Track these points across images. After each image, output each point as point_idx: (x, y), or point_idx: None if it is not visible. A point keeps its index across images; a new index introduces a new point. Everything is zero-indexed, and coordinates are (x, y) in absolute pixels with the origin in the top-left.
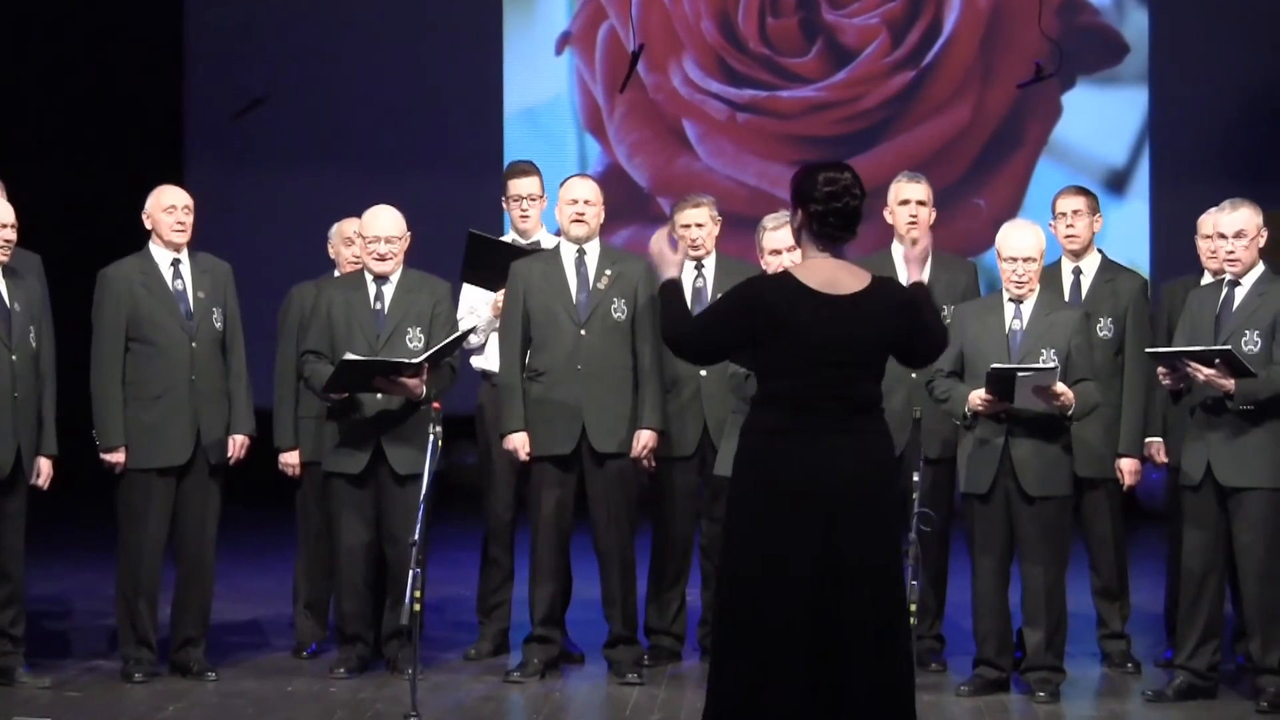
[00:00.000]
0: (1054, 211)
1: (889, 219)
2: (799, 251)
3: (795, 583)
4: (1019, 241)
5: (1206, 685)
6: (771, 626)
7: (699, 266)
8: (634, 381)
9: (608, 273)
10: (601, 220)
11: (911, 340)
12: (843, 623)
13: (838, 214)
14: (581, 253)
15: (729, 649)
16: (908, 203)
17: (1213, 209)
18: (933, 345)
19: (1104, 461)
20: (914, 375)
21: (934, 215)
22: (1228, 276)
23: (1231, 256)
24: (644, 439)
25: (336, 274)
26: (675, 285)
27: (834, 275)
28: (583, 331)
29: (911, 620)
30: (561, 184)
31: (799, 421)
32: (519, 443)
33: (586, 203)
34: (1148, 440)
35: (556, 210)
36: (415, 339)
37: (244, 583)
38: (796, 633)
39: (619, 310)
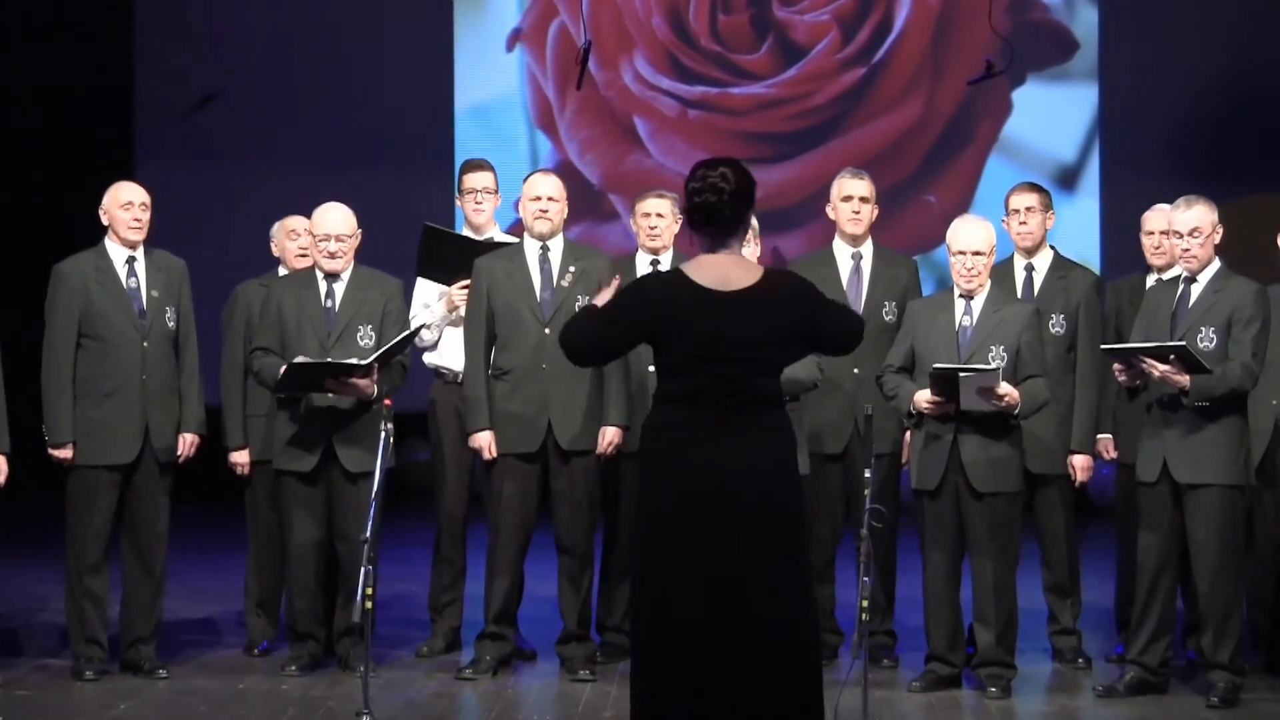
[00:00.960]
0: (1007, 208)
1: (831, 215)
2: (751, 245)
3: (695, 580)
4: (969, 235)
5: (1158, 680)
6: (676, 625)
7: (654, 261)
8: (599, 378)
9: (571, 269)
10: (565, 216)
11: (820, 333)
12: (744, 619)
13: (699, 210)
14: (545, 250)
15: (642, 648)
16: (850, 199)
17: (1157, 206)
18: (842, 335)
19: (1056, 457)
20: (856, 371)
21: (876, 212)
22: (1183, 273)
23: (1187, 254)
24: (609, 435)
25: (281, 270)
26: (594, 309)
27: (725, 272)
28: (547, 329)
29: (864, 617)
30: (525, 180)
31: (693, 419)
32: (486, 441)
33: (550, 199)
34: (1098, 436)
35: (520, 207)
36: (366, 337)
37: (195, 581)
38: (699, 630)
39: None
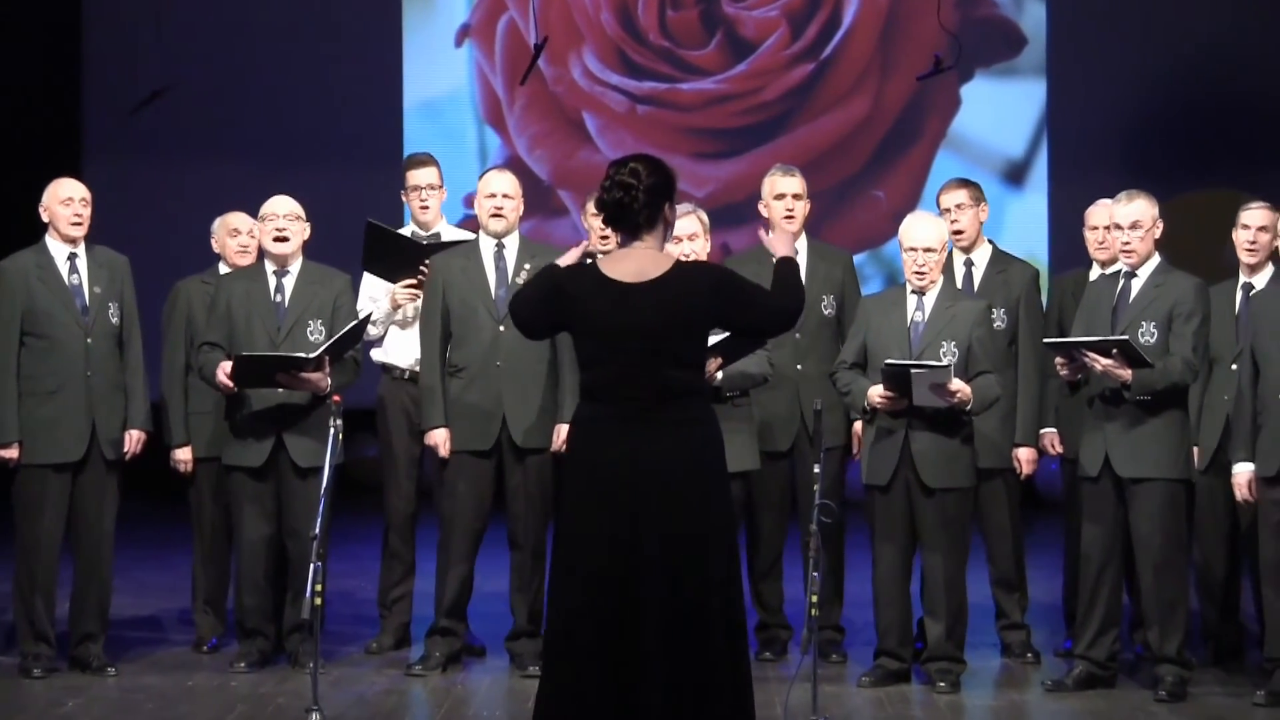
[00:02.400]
0: (939, 207)
1: (764, 213)
2: (700, 240)
3: (598, 576)
4: (921, 232)
5: (1105, 675)
6: (578, 621)
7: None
8: (553, 376)
9: (527, 267)
10: (520, 213)
11: (740, 318)
12: (646, 618)
13: (606, 206)
14: (500, 247)
15: (553, 638)
16: (783, 196)
17: (1101, 201)
18: (773, 317)
19: (1001, 452)
20: (799, 367)
21: (809, 208)
22: (1124, 268)
23: (1127, 248)
24: (563, 433)
25: (222, 267)
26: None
27: (638, 264)
28: (502, 327)
29: (813, 612)
30: (480, 177)
31: (606, 411)
32: (440, 439)
33: (505, 196)
34: (1042, 431)
35: (475, 204)
36: (317, 331)
37: (143, 577)
38: (600, 627)
39: None
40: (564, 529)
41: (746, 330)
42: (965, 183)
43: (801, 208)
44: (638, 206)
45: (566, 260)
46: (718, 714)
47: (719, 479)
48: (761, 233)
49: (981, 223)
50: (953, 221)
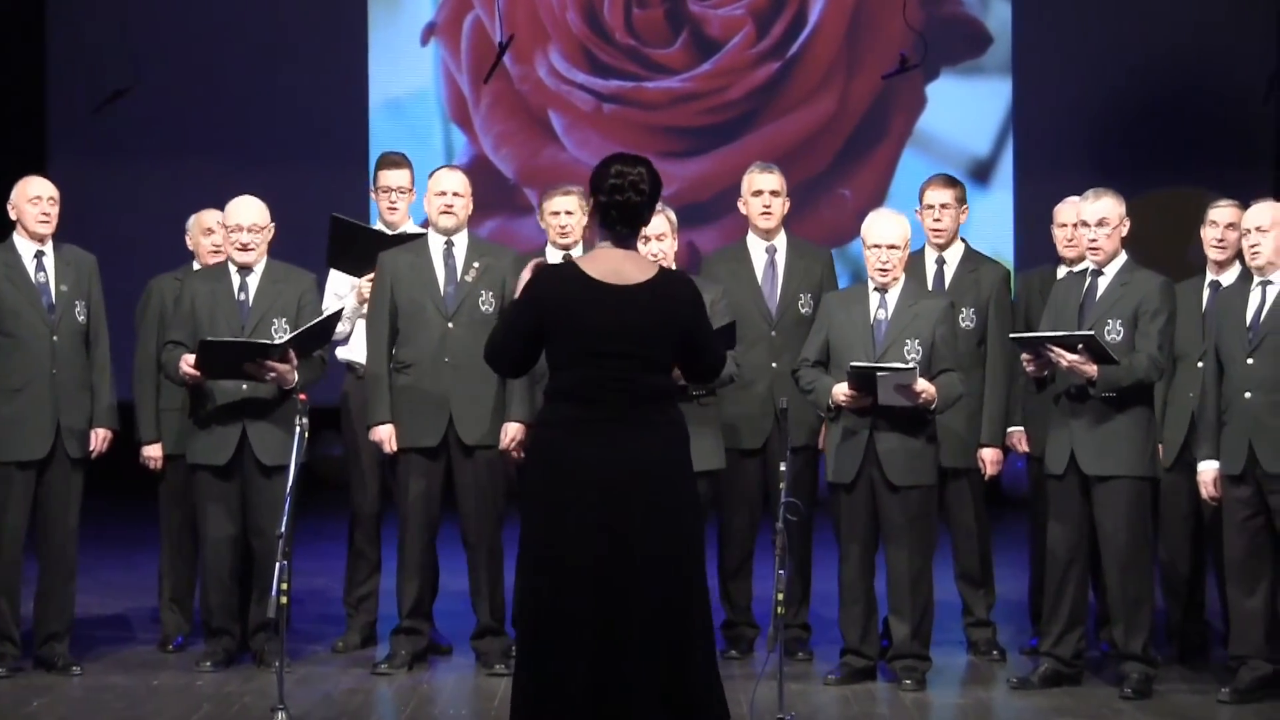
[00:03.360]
0: (921, 201)
1: (742, 210)
2: (669, 240)
3: (578, 576)
4: (884, 229)
5: (1071, 672)
6: (558, 620)
7: (566, 256)
8: None
9: (475, 265)
10: (470, 211)
11: (698, 343)
12: (629, 616)
13: (619, 208)
14: (450, 244)
15: (525, 640)
16: (761, 193)
17: (1070, 198)
18: (706, 360)
19: (967, 451)
20: (774, 365)
21: (788, 206)
22: (1090, 266)
23: (1094, 245)
24: (511, 431)
25: (195, 265)
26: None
27: (619, 266)
28: (450, 324)
29: (779, 610)
30: (430, 175)
31: (581, 413)
32: (386, 435)
33: (455, 194)
34: (1009, 430)
35: (425, 201)
36: (281, 330)
37: (108, 576)
38: (581, 626)
39: (487, 303)
40: (535, 529)
41: (697, 358)
42: (952, 182)
43: (779, 205)
44: (645, 211)
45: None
46: (697, 710)
47: (690, 480)
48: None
49: (960, 224)
50: (935, 219)
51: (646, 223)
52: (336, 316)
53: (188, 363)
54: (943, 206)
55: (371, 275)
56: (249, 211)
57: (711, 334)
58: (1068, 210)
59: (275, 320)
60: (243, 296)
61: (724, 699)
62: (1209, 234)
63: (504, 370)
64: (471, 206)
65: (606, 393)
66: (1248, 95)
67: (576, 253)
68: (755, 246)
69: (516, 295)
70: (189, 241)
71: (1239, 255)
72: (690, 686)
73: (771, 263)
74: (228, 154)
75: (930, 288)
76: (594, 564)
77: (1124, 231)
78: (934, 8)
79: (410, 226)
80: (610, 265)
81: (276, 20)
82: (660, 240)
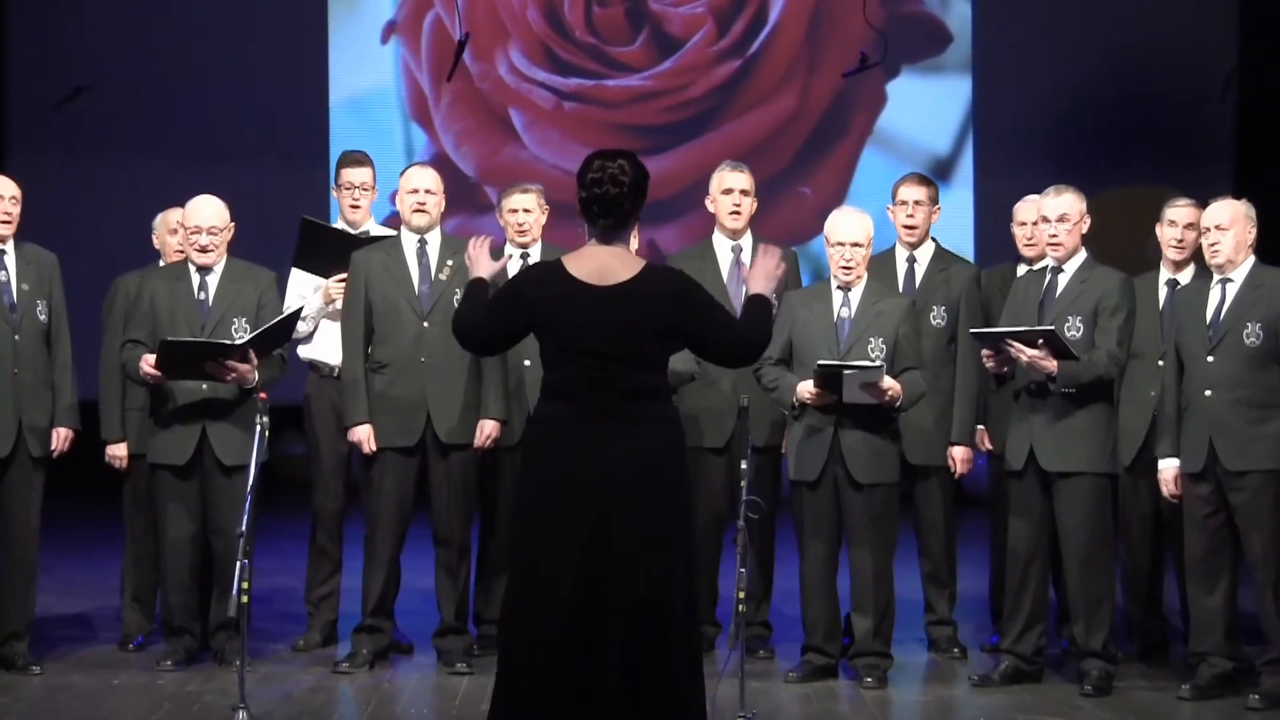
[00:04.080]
0: (894, 198)
1: (711, 208)
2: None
3: (565, 574)
4: (846, 227)
5: (1032, 669)
6: (544, 617)
7: (524, 255)
8: (477, 371)
9: (449, 263)
10: (443, 209)
11: (699, 333)
12: (614, 615)
13: (598, 201)
14: (423, 243)
15: (510, 637)
16: (730, 192)
17: (1029, 197)
18: (736, 345)
19: (936, 449)
20: None
21: (755, 205)
22: (1050, 263)
23: (1054, 241)
24: (487, 429)
25: (162, 264)
26: (482, 285)
27: (604, 264)
28: (425, 323)
29: (741, 608)
30: (402, 173)
31: (569, 412)
32: (365, 435)
33: (428, 192)
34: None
35: (397, 199)
36: (241, 329)
37: (69, 575)
38: (567, 624)
39: None
40: (524, 527)
41: (703, 347)
42: (926, 180)
43: (748, 204)
44: (626, 204)
45: (484, 271)
46: (676, 712)
47: (680, 478)
48: (744, 262)
49: (932, 222)
50: (909, 216)
51: (630, 214)
52: (296, 315)
53: (148, 363)
54: (916, 203)
55: (340, 275)
56: (208, 213)
57: (714, 321)
58: (1027, 208)
59: (235, 319)
60: (203, 296)
61: (703, 702)
62: (1167, 233)
63: (473, 347)
64: (444, 204)
65: (594, 391)
66: (1206, 93)
67: (535, 250)
68: (721, 246)
69: (484, 263)
70: (155, 240)
71: (1195, 254)
72: (670, 687)
73: (737, 262)
74: (189, 151)
75: (901, 287)
76: (580, 562)
77: (1084, 228)
78: (894, 6)
79: (372, 225)
80: (595, 264)
81: (237, 18)
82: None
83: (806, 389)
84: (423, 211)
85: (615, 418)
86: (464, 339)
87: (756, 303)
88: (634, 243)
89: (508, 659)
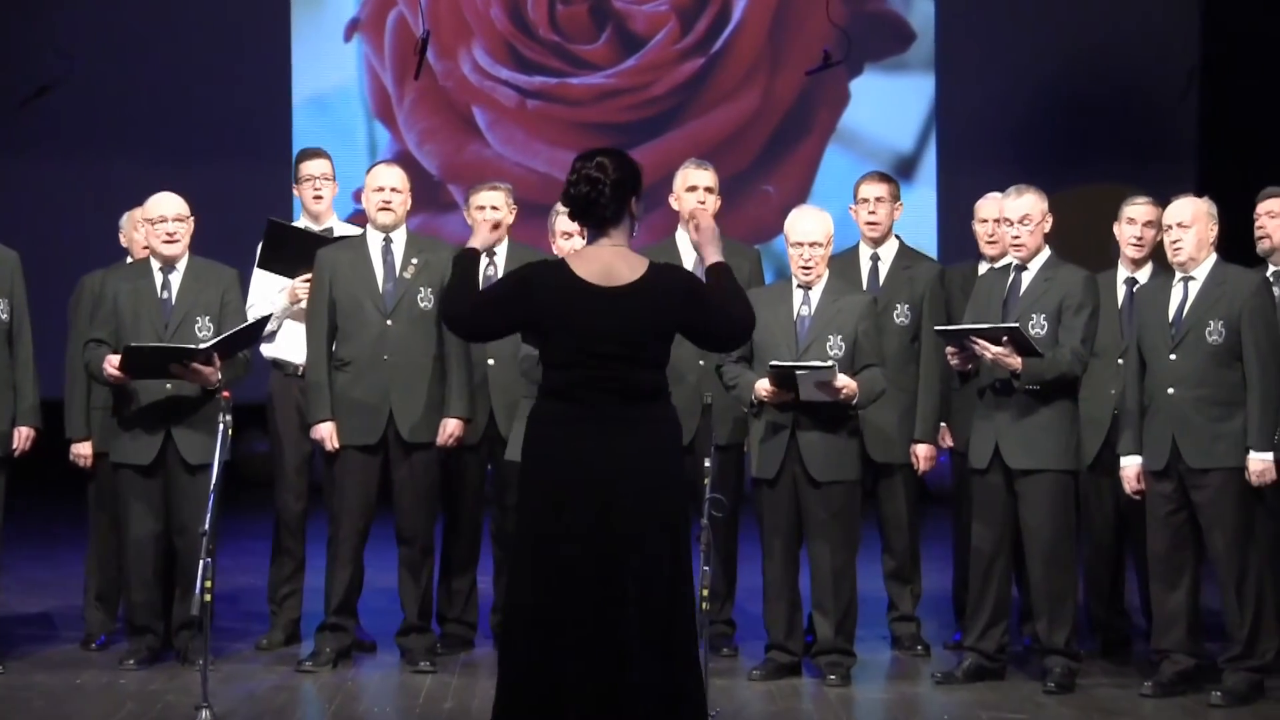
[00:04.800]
0: (856, 196)
1: (675, 205)
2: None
3: (569, 573)
4: (806, 226)
5: (995, 666)
6: (549, 616)
7: (490, 253)
8: (440, 370)
9: (414, 261)
10: (408, 208)
11: (703, 326)
12: (616, 615)
13: (572, 201)
14: (388, 241)
15: (513, 637)
16: (695, 189)
17: (991, 194)
18: (732, 328)
19: (899, 446)
20: (701, 362)
21: (719, 203)
22: (1014, 261)
23: (1017, 242)
24: (450, 427)
25: (129, 261)
26: (473, 256)
27: (609, 264)
28: (389, 321)
29: (704, 606)
30: (368, 170)
31: (572, 412)
32: (327, 432)
33: (394, 190)
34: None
35: (363, 197)
36: (205, 328)
37: (32, 574)
38: (569, 624)
39: (425, 299)
40: (527, 527)
41: (705, 339)
42: (887, 178)
43: (713, 201)
44: (604, 201)
45: (479, 242)
46: (684, 708)
47: (680, 477)
48: (691, 230)
49: (895, 220)
50: (870, 213)
51: (614, 212)
52: (264, 321)
53: (111, 364)
54: (878, 200)
55: (306, 275)
56: (171, 203)
57: (715, 309)
58: (989, 206)
59: (199, 318)
60: (165, 294)
61: (704, 700)
62: (1126, 231)
63: (465, 334)
64: (410, 202)
65: (599, 392)
66: (1168, 91)
67: (501, 249)
68: (684, 243)
69: (484, 235)
70: (123, 238)
71: (1154, 252)
72: (672, 685)
73: (700, 260)
74: (152, 150)
75: (865, 284)
76: (583, 562)
77: (1046, 227)
78: (857, 4)
79: (335, 221)
80: (600, 265)
81: (201, 16)
82: (583, 236)
83: (764, 387)
84: (388, 210)
85: (617, 418)
86: (454, 324)
87: (719, 272)
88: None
89: (510, 659)
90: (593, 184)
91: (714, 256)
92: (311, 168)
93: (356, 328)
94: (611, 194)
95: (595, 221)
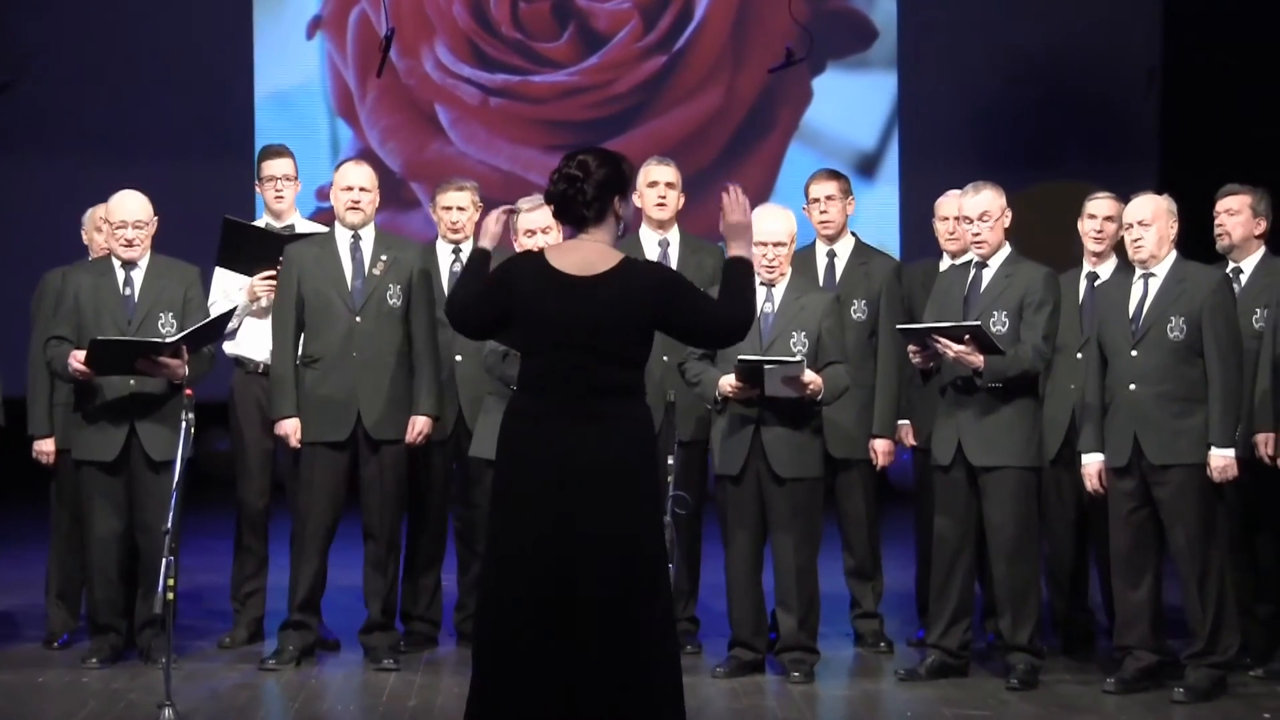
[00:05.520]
0: (807, 196)
1: (637, 202)
2: (554, 233)
3: (536, 571)
4: (769, 225)
5: (958, 663)
6: (517, 613)
7: (456, 250)
8: (408, 367)
9: (383, 259)
10: (376, 206)
11: (683, 322)
12: (585, 613)
13: (552, 199)
14: (357, 238)
15: (484, 634)
16: (655, 185)
17: (951, 192)
18: (718, 326)
19: (858, 442)
20: (665, 359)
21: (683, 199)
22: (974, 258)
23: (978, 239)
24: (419, 425)
25: (91, 259)
26: (482, 256)
27: (585, 256)
28: (358, 318)
29: None
30: (336, 169)
31: (543, 405)
32: (291, 429)
33: (362, 189)
34: (899, 422)
35: (331, 195)
36: (168, 324)
37: None
38: (539, 622)
39: (394, 296)
40: (498, 523)
41: (687, 335)
42: (836, 175)
43: (674, 196)
44: (583, 199)
45: (486, 241)
46: (653, 709)
47: (650, 475)
48: (646, 230)
49: (848, 215)
50: (821, 211)
51: (596, 209)
52: (230, 314)
53: (77, 359)
54: (828, 198)
55: (264, 273)
56: (132, 207)
57: (695, 305)
58: (949, 204)
59: (162, 315)
60: (128, 291)
61: (681, 700)
62: (1087, 226)
63: (468, 332)
64: (378, 200)
65: (567, 385)
66: (1130, 89)
67: (466, 247)
68: (648, 240)
69: (491, 228)
70: (84, 236)
71: (1118, 248)
72: (646, 685)
73: (664, 256)
74: (114, 147)
75: (821, 281)
76: (551, 560)
77: (1006, 223)
78: (819, 2)
79: (297, 218)
80: (577, 257)
81: (161, 13)
82: (546, 233)
83: (728, 383)
84: (357, 209)
85: (586, 414)
86: (456, 322)
87: (737, 268)
88: (558, 237)
89: (482, 658)
90: (571, 182)
91: (736, 250)
92: (273, 167)
93: (325, 324)
94: (593, 192)
95: (575, 219)
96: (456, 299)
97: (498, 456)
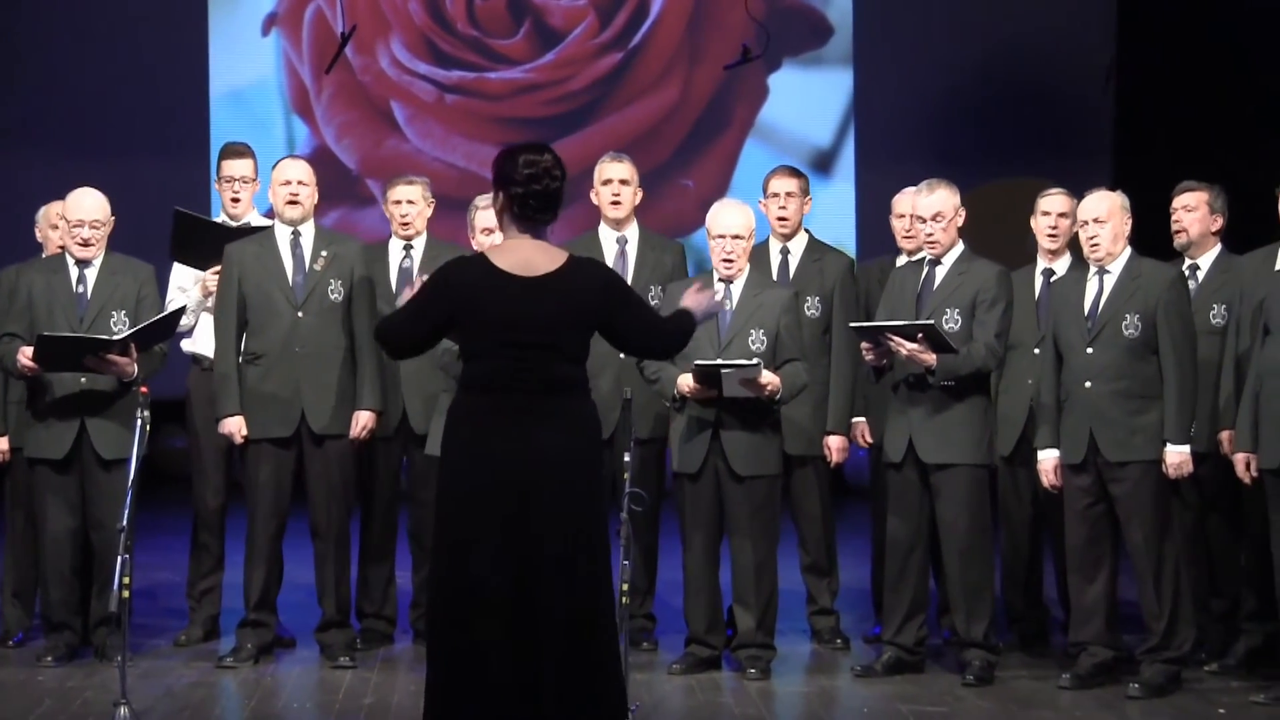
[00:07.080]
0: (766, 191)
1: (594, 200)
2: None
3: (486, 567)
4: (728, 219)
5: (914, 660)
6: (469, 611)
7: (408, 247)
8: (352, 362)
9: (324, 254)
10: (315, 201)
11: (621, 327)
12: (536, 610)
13: (537, 196)
14: (297, 234)
15: (436, 633)
16: (610, 182)
17: (907, 189)
18: (649, 347)
19: (812, 439)
20: (622, 356)
21: (639, 196)
22: (927, 256)
23: (931, 239)
24: (363, 420)
25: (44, 256)
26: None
27: (529, 256)
28: (300, 313)
29: (624, 600)
30: (274, 165)
31: (490, 403)
32: (235, 426)
33: (300, 183)
34: (853, 420)
35: (270, 192)
36: (120, 322)
37: None
38: (491, 619)
39: (335, 291)
40: (445, 521)
41: (623, 338)
42: (796, 172)
43: (629, 193)
44: (557, 200)
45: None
46: (604, 701)
47: (598, 472)
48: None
49: (805, 214)
50: (780, 208)
51: (558, 207)
52: (180, 313)
53: (25, 355)
54: (788, 195)
55: (217, 268)
56: (89, 205)
57: (637, 313)
58: (905, 201)
59: (114, 313)
60: (81, 289)
61: (624, 694)
62: (1041, 223)
63: (397, 352)
64: (317, 196)
65: (515, 383)
66: (1086, 86)
67: (419, 242)
68: (606, 237)
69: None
70: (39, 234)
71: (1071, 244)
72: (592, 680)
73: (622, 253)
74: (68, 144)
75: (775, 278)
76: (501, 556)
77: (960, 221)
78: None
79: (255, 217)
80: (520, 256)
81: (117, 9)
82: (488, 234)
83: (686, 383)
84: (295, 203)
85: (535, 411)
86: (385, 343)
87: (686, 315)
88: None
89: (436, 657)
90: (556, 178)
91: (689, 305)
92: (232, 168)
93: (267, 321)
94: (562, 188)
95: (552, 217)
96: (390, 327)
97: (444, 454)
